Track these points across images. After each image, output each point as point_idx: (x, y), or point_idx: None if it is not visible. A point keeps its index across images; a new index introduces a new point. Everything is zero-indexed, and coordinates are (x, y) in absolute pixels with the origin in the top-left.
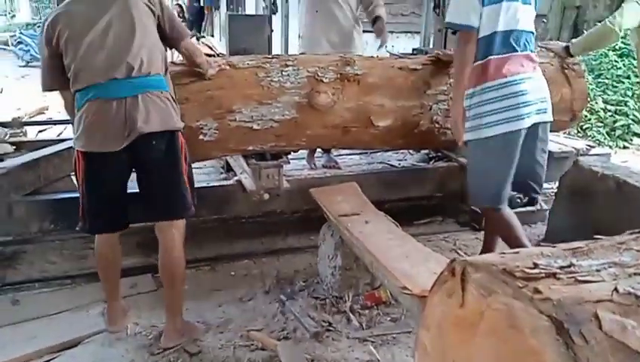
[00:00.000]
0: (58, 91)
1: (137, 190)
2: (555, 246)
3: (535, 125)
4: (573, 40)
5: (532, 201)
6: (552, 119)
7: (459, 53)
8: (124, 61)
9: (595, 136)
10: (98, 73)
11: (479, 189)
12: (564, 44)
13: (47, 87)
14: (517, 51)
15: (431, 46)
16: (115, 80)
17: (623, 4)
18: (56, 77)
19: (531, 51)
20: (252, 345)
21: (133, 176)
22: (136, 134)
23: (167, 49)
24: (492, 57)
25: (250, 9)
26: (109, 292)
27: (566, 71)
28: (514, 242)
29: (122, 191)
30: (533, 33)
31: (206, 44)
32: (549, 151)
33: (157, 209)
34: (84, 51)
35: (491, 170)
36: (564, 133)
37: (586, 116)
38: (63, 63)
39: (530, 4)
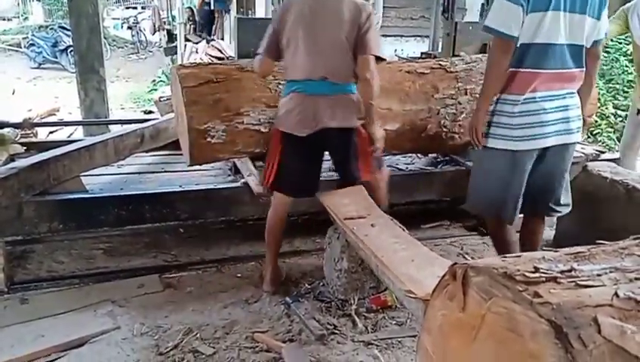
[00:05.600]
0: (262, 57)
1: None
2: (557, 251)
3: (556, 145)
4: None
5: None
6: (577, 140)
7: (493, 61)
8: (322, 67)
9: (605, 142)
10: (301, 72)
11: (479, 196)
12: None
13: (261, 52)
14: (551, 68)
15: (439, 50)
16: (312, 81)
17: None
18: (270, 49)
19: (577, 67)
20: (257, 346)
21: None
22: (322, 126)
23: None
24: (521, 70)
25: (260, 12)
26: (272, 256)
27: None
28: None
29: (312, 166)
30: (582, 47)
31: (216, 47)
32: None
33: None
34: (294, 49)
35: (493, 181)
36: None
37: (596, 121)
38: (278, 42)
39: (586, 13)
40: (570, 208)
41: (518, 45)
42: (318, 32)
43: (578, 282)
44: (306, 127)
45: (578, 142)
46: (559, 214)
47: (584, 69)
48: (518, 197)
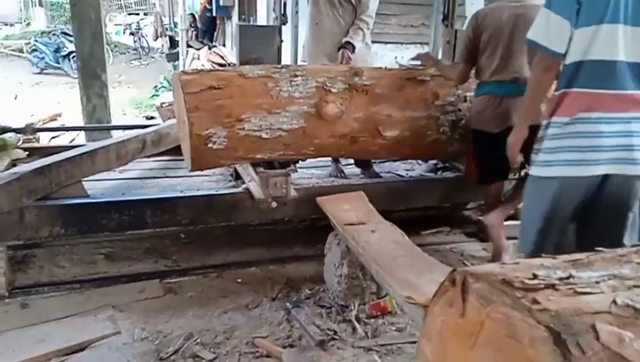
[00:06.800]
0: (459, 62)
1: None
2: (555, 258)
3: (617, 177)
4: None
5: None
6: None
7: (535, 78)
8: (514, 69)
9: None
10: (493, 74)
11: (520, 231)
12: None
13: (458, 59)
14: (608, 89)
15: (439, 57)
16: (504, 82)
17: None
18: (465, 54)
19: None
20: (257, 352)
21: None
22: (510, 124)
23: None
24: (571, 91)
25: (261, 19)
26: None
27: None
28: None
29: (502, 158)
30: None
31: (217, 54)
32: None
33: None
34: (491, 52)
35: (530, 212)
36: None
37: None
38: (474, 48)
39: None
40: None
41: (567, 63)
42: (514, 37)
43: (576, 289)
44: (498, 125)
45: None
46: None
47: None
48: (545, 233)
